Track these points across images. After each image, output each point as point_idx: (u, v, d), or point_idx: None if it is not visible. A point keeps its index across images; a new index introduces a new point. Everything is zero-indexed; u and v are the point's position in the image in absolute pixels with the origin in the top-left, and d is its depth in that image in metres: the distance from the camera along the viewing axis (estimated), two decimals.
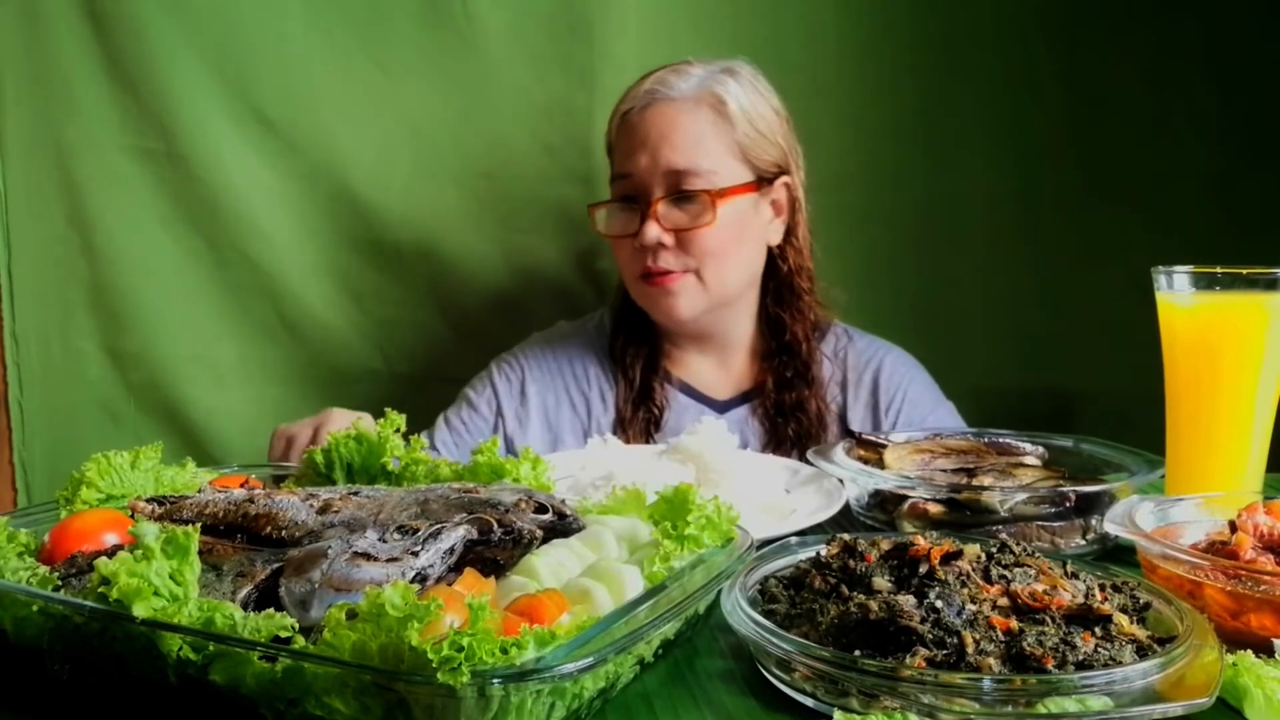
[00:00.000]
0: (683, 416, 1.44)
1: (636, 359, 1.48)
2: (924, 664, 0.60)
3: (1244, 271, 0.97)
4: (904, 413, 1.44)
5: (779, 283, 1.48)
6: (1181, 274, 1.00)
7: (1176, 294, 1.01)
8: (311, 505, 0.73)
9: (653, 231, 1.35)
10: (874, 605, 0.64)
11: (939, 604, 0.63)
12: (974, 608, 0.64)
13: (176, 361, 1.65)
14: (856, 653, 0.61)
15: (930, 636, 0.61)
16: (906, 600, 0.64)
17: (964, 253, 1.79)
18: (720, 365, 1.50)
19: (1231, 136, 1.81)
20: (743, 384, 1.49)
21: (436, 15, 1.67)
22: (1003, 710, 0.57)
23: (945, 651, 0.61)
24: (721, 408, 1.47)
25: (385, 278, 1.72)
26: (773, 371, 1.46)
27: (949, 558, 0.68)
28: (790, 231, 1.47)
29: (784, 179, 1.43)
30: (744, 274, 1.44)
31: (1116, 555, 0.94)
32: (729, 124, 1.38)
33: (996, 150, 1.83)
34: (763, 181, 1.41)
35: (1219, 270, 0.98)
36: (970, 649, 0.60)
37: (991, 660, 0.60)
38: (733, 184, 1.37)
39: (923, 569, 0.67)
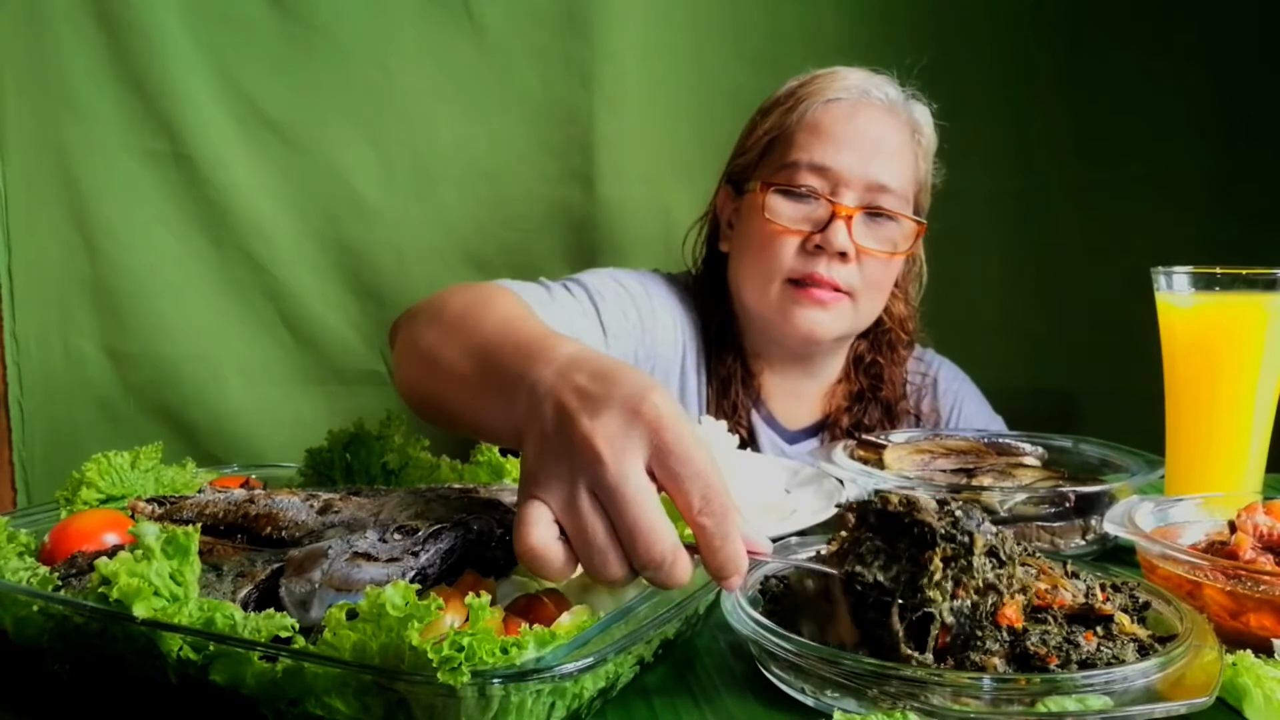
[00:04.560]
0: (752, 443, 1.38)
1: (731, 372, 1.38)
2: (939, 562, 0.61)
3: (1243, 272, 0.97)
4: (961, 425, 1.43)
5: (882, 329, 1.41)
6: (1181, 274, 1.00)
7: (1176, 294, 1.01)
8: (311, 505, 0.73)
9: (843, 238, 1.24)
10: (894, 498, 0.64)
11: (958, 513, 0.63)
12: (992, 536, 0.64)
13: (177, 361, 1.65)
14: (856, 655, 0.61)
15: (943, 532, 0.62)
16: (928, 501, 0.64)
17: (965, 253, 1.79)
18: (796, 394, 1.42)
19: (1233, 136, 1.81)
20: (813, 415, 1.43)
21: (438, 14, 1.67)
22: (1004, 709, 0.57)
23: (954, 546, 0.61)
24: (791, 438, 1.41)
25: (385, 278, 1.72)
26: (853, 411, 1.40)
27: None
28: (905, 280, 1.41)
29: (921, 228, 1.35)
30: (879, 313, 1.37)
31: (1116, 555, 0.94)
32: (921, 154, 1.33)
33: (997, 150, 1.84)
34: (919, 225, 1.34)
35: (1218, 270, 0.98)
36: (979, 549, 0.61)
37: (996, 659, 0.60)
38: (915, 218, 1.31)
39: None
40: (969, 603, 0.61)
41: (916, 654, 0.61)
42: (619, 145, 1.77)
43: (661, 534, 0.58)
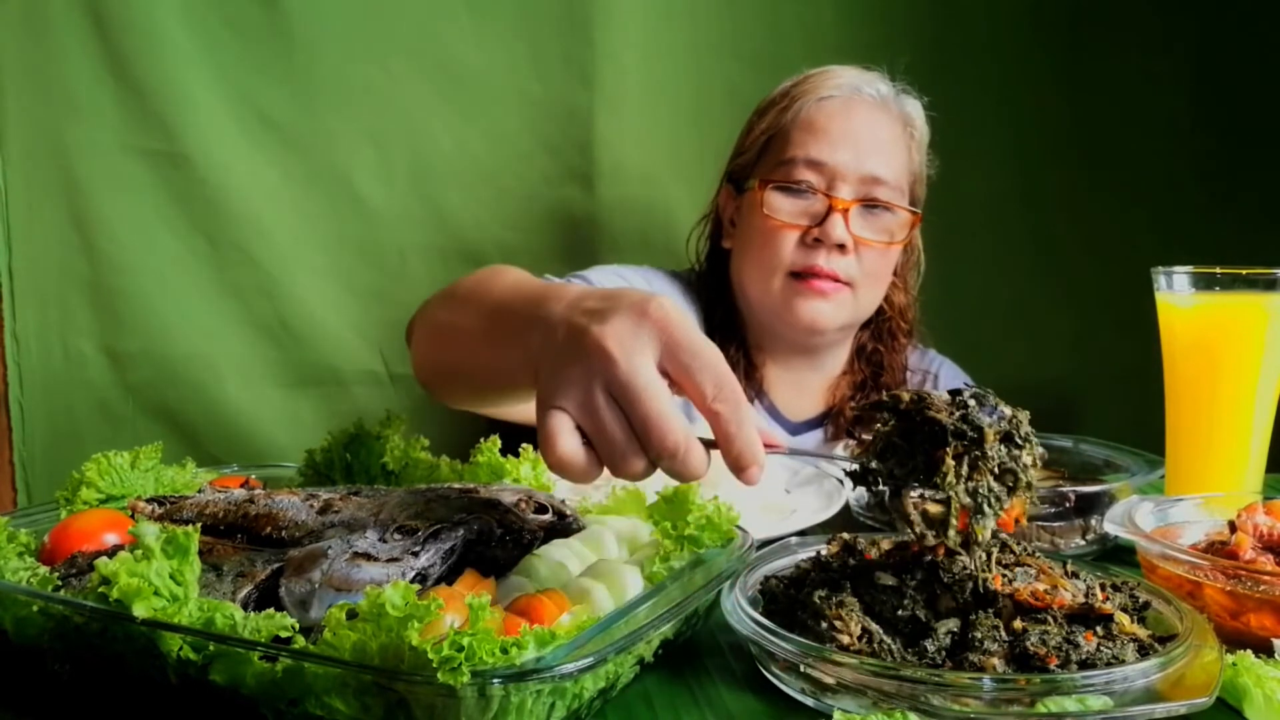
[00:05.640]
0: None
1: (734, 363, 1.37)
2: (951, 460, 0.61)
3: (1244, 271, 0.97)
4: None
5: (883, 317, 1.43)
6: (1181, 274, 1.00)
7: (1176, 294, 1.01)
8: (311, 505, 0.73)
9: (841, 230, 1.27)
10: (905, 396, 0.64)
11: (970, 403, 0.63)
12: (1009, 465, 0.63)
13: (176, 361, 1.65)
14: (856, 655, 0.61)
15: (953, 429, 0.61)
16: (940, 396, 0.64)
17: (967, 253, 1.80)
18: (799, 386, 1.44)
19: (1232, 136, 1.81)
20: (817, 407, 1.45)
21: (438, 14, 1.67)
22: (1004, 709, 0.57)
23: (965, 442, 0.61)
24: (794, 430, 1.43)
25: (385, 278, 1.72)
26: (856, 400, 1.41)
27: (952, 552, 0.68)
28: (903, 269, 1.43)
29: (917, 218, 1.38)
30: (879, 302, 1.39)
31: (1116, 555, 0.94)
32: (914, 146, 1.36)
33: (999, 151, 1.84)
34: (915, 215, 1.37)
35: (1218, 270, 0.98)
36: (990, 439, 0.61)
37: (996, 659, 0.60)
38: (911, 208, 1.34)
39: (927, 557, 0.67)
40: (986, 484, 0.62)
41: (934, 534, 0.61)
42: (619, 145, 1.78)
43: (674, 423, 0.60)
